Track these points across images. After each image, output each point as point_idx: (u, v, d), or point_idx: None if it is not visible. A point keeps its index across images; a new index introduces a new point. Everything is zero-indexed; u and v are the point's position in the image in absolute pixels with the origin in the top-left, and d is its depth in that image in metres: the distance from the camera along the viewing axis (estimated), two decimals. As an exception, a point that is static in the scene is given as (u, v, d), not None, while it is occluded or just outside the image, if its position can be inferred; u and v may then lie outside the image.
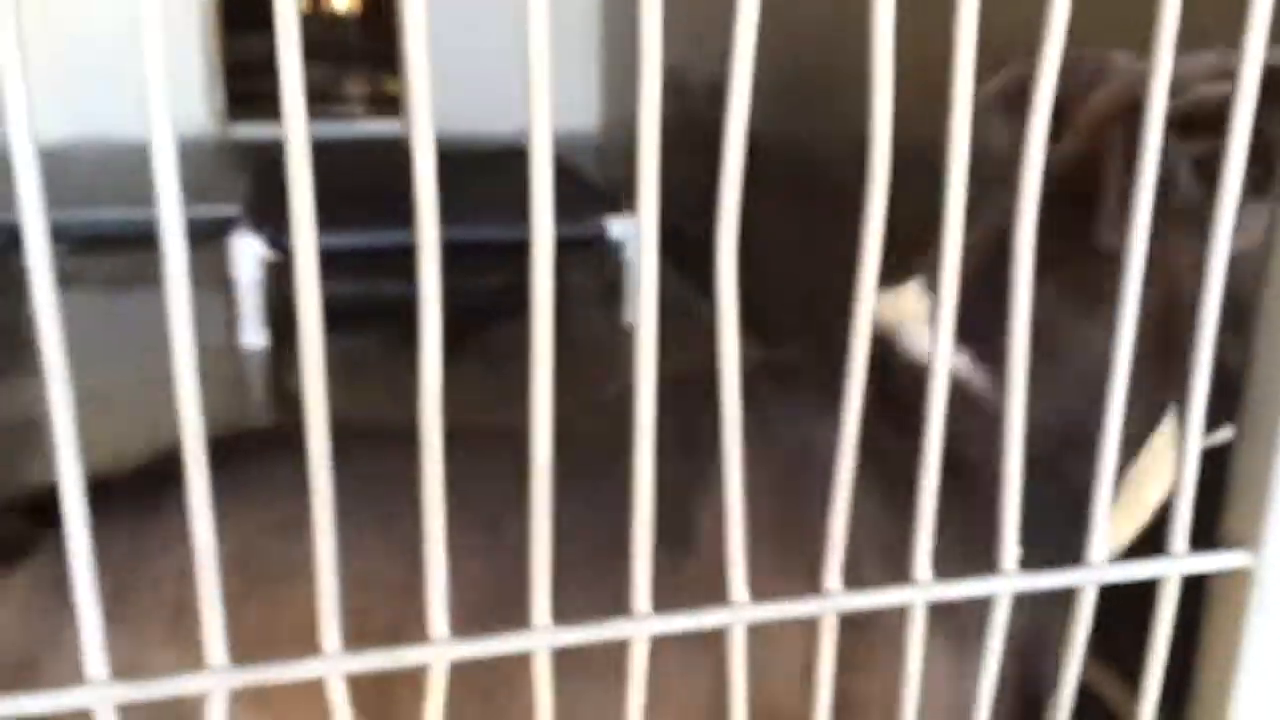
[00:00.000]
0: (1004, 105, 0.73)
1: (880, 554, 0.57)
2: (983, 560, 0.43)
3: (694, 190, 3.09)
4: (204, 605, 0.36)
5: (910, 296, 0.73)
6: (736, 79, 0.36)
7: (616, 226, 2.51)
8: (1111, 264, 0.42)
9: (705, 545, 0.67)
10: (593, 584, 0.55)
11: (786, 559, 0.60)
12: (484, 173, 3.18)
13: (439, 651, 0.38)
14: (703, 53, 2.69)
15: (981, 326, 0.55)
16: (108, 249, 3.24)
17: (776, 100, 2.25)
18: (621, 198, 2.76)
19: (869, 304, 0.40)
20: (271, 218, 2.39)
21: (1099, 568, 0.43)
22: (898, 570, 0.42)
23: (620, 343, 2.55)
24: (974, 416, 0.62)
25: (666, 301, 2.24)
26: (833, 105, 2.01)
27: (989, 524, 0.43)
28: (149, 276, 3.06)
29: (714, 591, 0.40)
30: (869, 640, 0.58)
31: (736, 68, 0.36)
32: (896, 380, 0.67)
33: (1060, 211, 0.55)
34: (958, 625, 0.57)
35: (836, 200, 1.97)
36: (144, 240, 2.98)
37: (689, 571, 0.65)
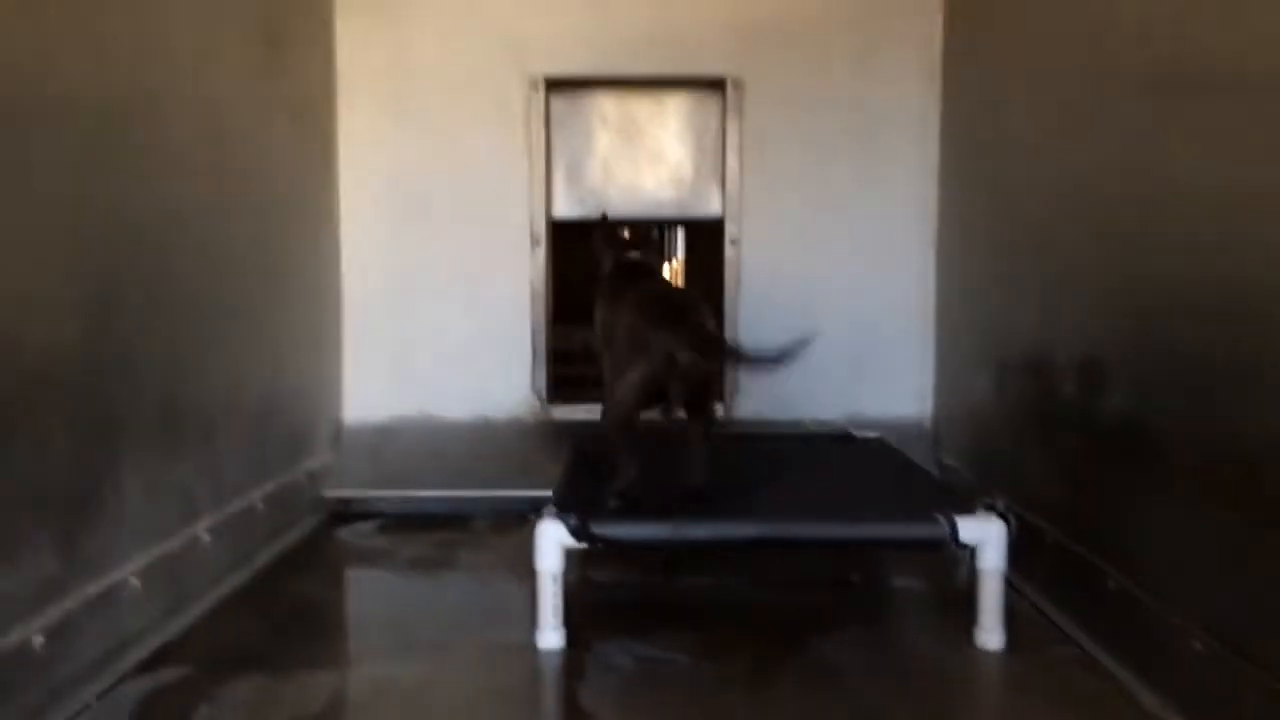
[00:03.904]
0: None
1: None
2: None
3: (1055, 485, 2.96)
4: None
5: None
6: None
7: (967, 529, 2.40)
8: None
9: None
10: None
11: None
12: (817, 462, 3.21)
13: None
14: (1066, 328, 2.62)
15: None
16: (418, 527, 3.55)
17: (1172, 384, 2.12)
18: (972, 497, 2.66)
19: None
20: (575, 505, 2.50)
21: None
22: None
23: (970, 669, 2.36)
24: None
25: (1020, 619, 2.10)
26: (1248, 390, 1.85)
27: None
28: (453, 559, 3.30)
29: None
30: None
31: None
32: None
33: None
34: None
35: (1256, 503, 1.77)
36: (452, 520, 3.26)
37: None
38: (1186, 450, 2.04)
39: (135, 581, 2.34)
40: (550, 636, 2.42)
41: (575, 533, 2.39)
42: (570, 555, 2.43)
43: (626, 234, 3.30)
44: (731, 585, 2.93)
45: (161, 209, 2.53)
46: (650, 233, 3.39)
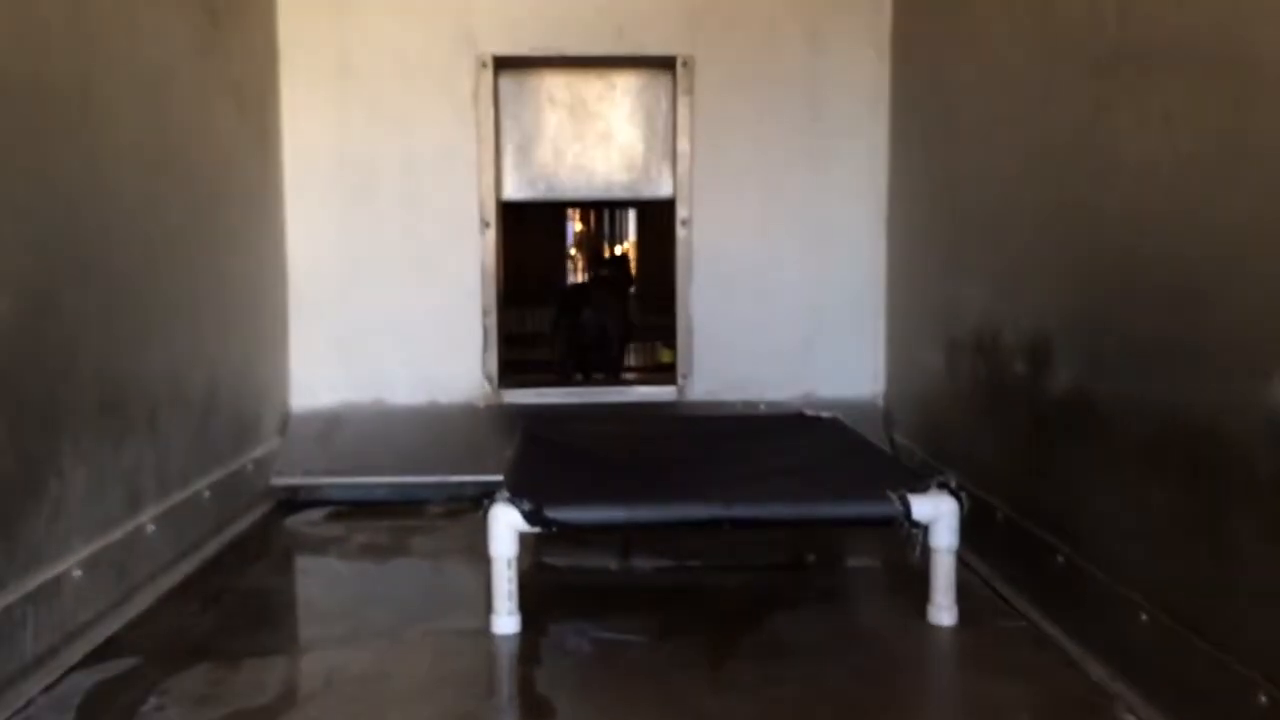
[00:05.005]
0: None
1: None
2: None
3: (1005, 462, 3.00)
4: None
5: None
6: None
7: (920, 507, 2.44)
8: None
9: None
10: None
11: None
12: (772, 441, 3.24)
13: None
14: (1016, 307, 2.67)
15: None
16: (369, 514, 3.53)
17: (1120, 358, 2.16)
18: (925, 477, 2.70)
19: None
20: (529, 489, 2.51)
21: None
22: None
23: (923, 645, 2.41)
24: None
25: (972, 595, 2.14)
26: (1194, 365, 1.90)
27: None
28: (405, 545, 3.30)
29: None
30: None
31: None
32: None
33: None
34: None
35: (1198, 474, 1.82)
36: (403, 507, 3.26)
37: None
38: (1133, 426, 2.09)
39: (78, 573, 2.32)
40: (505, 622, 2.43)
41: (529, 517, 2.40)
42: (524, 539, 2.44)
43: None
44: (688, 567, 2.95)
45: (98, 190, 2.49)
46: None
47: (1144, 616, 2.00)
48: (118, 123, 2.59)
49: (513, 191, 4.15)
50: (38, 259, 2.21)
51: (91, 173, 2.46)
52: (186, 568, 2.91)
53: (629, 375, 5.08)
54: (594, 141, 4.16)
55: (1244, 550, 1.72)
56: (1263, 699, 1.64)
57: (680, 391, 4.14)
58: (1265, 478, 1.66)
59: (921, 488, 2.49)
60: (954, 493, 2.47)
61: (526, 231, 4.50)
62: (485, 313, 4.05)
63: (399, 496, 3.76)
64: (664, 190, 4.16)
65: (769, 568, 2.95)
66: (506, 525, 2.41)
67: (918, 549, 2.46)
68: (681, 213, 4.08)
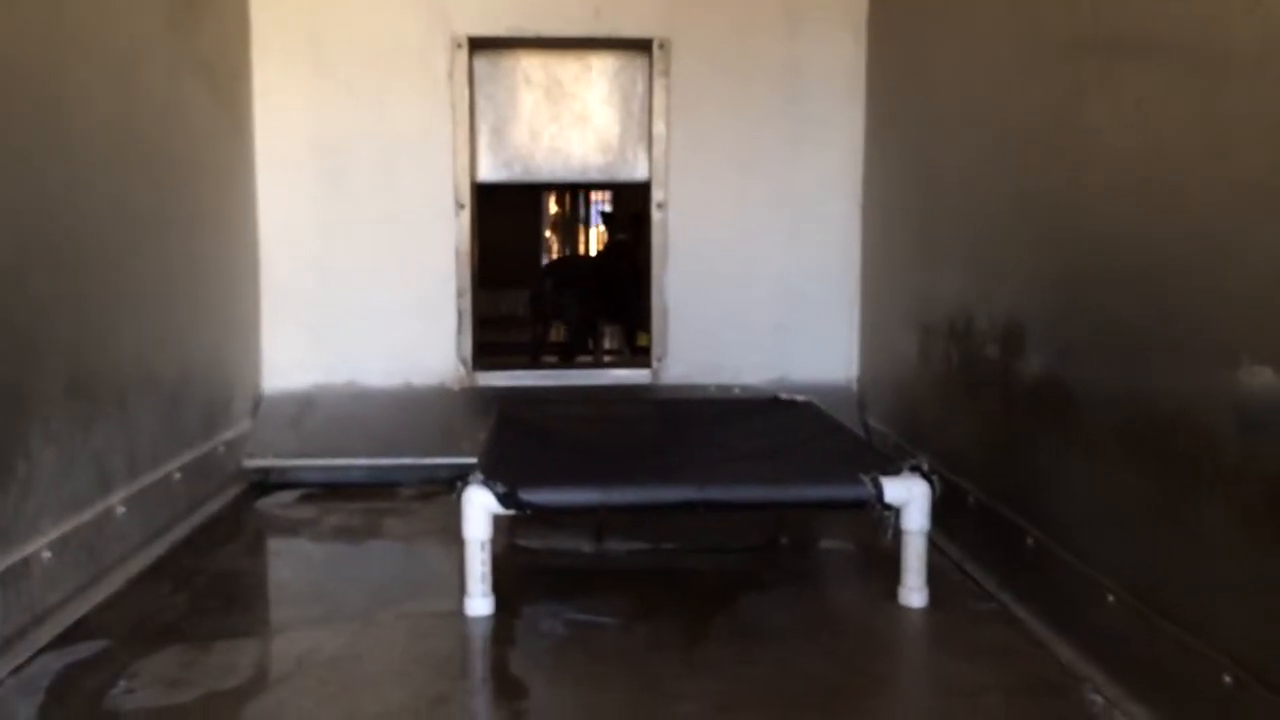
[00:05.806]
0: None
1: None
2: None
3: (978, 446, 3.02)
4: None
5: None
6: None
7: (892, 490, 2.45)
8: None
9: None
10: None
11: None
12: (746, 424, 3.25)
13: None
14: (989, 292, 2.68)
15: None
16: (342, 496, 3.52)
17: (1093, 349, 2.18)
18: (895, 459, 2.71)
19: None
20: (503, 471, 2.50)
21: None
22: None
23: (893, 626, 2.43)
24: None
25: (943, 577, 2.17)
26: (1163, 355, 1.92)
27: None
28: (378, 528, 3.28)
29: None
30: None
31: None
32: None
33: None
34: None
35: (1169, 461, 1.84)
36: (376, 489, 3.25)
37: None
38: (1104, 412, 2.10)
39: (47, 554, 2.30)
40: (479, 604, 2.43)
41: (503, 499, 2.40)
42: (498, 522, 2.44)
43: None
44: (662, 549, 2.96)
45: (67, 169, 2.46)
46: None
47: (1112, 599, 2.03)
48: (88, 101, 2.56)
49: (487, 173, 4.13)
50: (4, 239, 2.18)
51: (60, 152, 2.42)
52: (157, 550, 2.89)
53: (584, 359, 5.06)
54: (570, 123, 4.15)
55: (1211, 534, 1.74)
56: (1228, 679, 1.66)
57: (655, 375, 4.15)
58: (1232, 463, 1.67)
59: (894, 471, 2.50)
60: (926, 476, 2.49)
61: (501, 213, 4.47)
62: (460, 295, 4.04)
63: (372, 479, 3.74)
64: (640, 173, 4.15)
65: (742, 550, 2.97)
66: (480, 507, 2.41)
67: (890, 532, 2.48)
68: (657, 196, 4.08)
